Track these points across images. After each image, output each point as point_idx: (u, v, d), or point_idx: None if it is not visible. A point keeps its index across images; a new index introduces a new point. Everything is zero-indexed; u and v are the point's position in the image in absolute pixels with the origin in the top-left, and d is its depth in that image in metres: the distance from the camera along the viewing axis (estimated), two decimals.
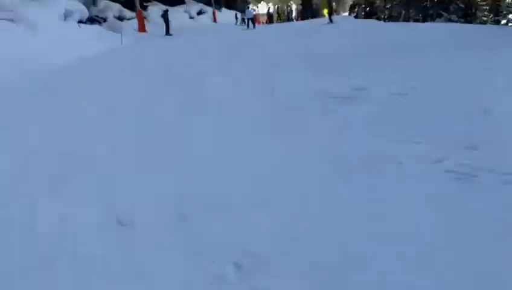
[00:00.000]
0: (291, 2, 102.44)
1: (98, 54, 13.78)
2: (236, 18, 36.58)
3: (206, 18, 40.72)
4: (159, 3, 35.62)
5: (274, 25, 36.44)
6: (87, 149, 4.47)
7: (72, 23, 17.52)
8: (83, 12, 18.94)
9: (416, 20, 26.80)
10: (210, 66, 9.42)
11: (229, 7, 51.54)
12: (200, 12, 40.95)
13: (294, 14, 72.38)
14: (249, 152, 4.04)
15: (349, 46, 11.40)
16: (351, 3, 65.81)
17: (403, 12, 27.96)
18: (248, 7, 34.25)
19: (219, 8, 47.17)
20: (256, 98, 6.16)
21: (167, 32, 21.89)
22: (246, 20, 27.97)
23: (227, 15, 46.05)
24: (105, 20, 21.14)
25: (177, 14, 35.67)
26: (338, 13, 61.55)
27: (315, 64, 8.56)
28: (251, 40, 17.10)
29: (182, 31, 24.10)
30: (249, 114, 5.36)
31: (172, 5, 37.86)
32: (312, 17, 63.02)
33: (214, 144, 4.36)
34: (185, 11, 38.35)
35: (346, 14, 43.59)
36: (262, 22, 51.53)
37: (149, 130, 5.03)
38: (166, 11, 22.62)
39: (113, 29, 20.76)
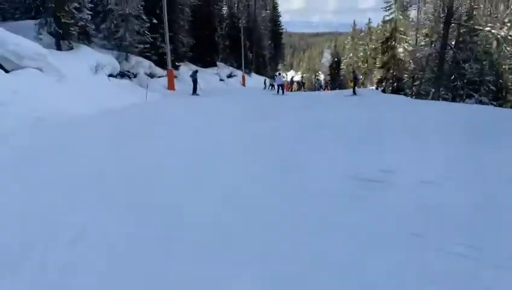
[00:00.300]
0: (320, 72, 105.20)
1: (124, 108, 13.71)
2: (265, 84, 37.01)
3: (236, 81, 41.73)
4: (190, 64, 36.81)
5: (300, 93, 36.83)
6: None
7: (102, 76, 17.81)
8: (115, 66, 19.41)
9: (445, 99, 26.41)
10: (223, 129, 9.07)
11: (259, 72, 52.97)
12: (230, 76, 42.09)
13: (322, 83, 73.85)
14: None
15: (377, 120, 10.93)
16: (379, 77, 66.90)
17: (432, 90, 27.63)
18: (279, 74, 34.76)
19: (249, 73, 48.43)
20: (266, 177, 5.59)
21: (194, 91, 22.15)
22: (276, 86, 28.69)
23: (256, 80, 47.23)
24: (135, 76, 21.56)
25: (207, 75, 36.68)
26: (365, 86, 62.42)
27: (338, 137, 8.07)
28: (276, 106, 16.95)
29: (210, 92, 24.39)
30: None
31: (205, 66, 39.14)
32: (339, 88, 63.84)
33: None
34: (216, 73, 39.39)
35: (373, 87, 43.84)
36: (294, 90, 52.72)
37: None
38: (195, 72, 23.04)
39: (142, 85, 21.11)
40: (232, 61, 47.75)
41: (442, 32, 27.03)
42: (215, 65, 40.92)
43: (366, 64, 79.99)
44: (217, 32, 41.44)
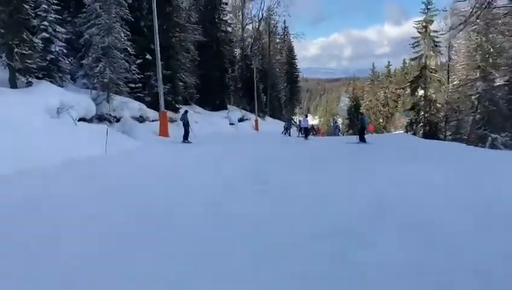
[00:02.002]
0: (338, 116, 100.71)
1: (64, 164, 9.38)
2: (285, 128, 31.93)
3: (248, 126, 37.62)
4: (197, 107, 32.98)
5: (319, 139, 32.23)
6: None
7: (67, 120, 13.71)
8: (88, 108, 15.37)
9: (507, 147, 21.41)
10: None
11: (274, 116, 48.83)
12: (242, 119, 38.07)
13: (340, 127, 69.13)
14: None
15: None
16: (403, 120, 62.06)
17: (492, 136, 22.62)
18: (306, 116, 30.10)
19: (263, 117, 44.38)
20: None
21: (185, 138, 17.65)
22: (302, 130, 26.76)
23: (271, 124, 42.98)
24: (118, 120, 17.48)
25: (216, 118, 32.71)
26: (388, 130, 57.51)
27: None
28: (293, 158, 12.51)
29: (211, 138, 20.14)
30: None
31: (214, 109, 35.25)
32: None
33: None
34: (226, 117, 35.43)
35: (401, 131, 39.03)
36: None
37: None
38: (185, 113, 18.47)
39: (126, 130, 17.00)
40: (244, 104, 44.01)
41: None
42: (226, 108, 37.09)
43: (387, 108, 75.51)
44: (228, 74, 37.89)
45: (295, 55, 64.54)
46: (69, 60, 16.97)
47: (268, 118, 46.16)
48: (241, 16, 47.19)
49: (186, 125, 17.71)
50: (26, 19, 13.65)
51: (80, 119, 14.94)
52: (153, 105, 20.83)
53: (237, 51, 46.03)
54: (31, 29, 14.28)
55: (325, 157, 12.94)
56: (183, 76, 25.33)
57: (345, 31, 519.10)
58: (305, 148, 17.43)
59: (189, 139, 17.60)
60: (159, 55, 18.90)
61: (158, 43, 18.88)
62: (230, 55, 40.41)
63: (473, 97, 28.97)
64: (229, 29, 41.32)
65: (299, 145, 19.93)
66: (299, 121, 30.63)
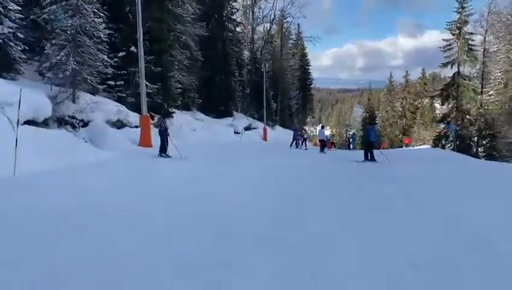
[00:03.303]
0: (350, 127, 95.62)
1: None
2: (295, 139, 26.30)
3: (256, 135, 33.60)
4: (199, 113, 29.12)
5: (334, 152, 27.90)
6: None
7: (4, 122, 9.96)
8: (40, 107, 11.56)
9: None
10: None
11: (284, 125, 44.64)
12: (248, 128, 34.08)
13: (356, 138, 64.42)
14: None
15: None
16: (422, 132, 57.48)
17: None
18: (322, 126, 25.89)
19: (272, 125, 40.32)
20: None
21: (162, 150, 13.10)
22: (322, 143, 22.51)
23: (281, 133, 38.82)
24: (86, 124, 13.60)
25: (219, 126, 28.78)
26: (407, 145, 52.78)
27: None
28: (325, 187, 8.52)
29: (212, 149, 16.24)
30: None
31: (218, 117, 31.33)
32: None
33: None
34: (230, 125, 31.50)
35: (428, 146, 34.64)
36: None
37: None
38: (162, 120, 14.03)
39: (95, 138, 13.16)
40: (252, 111, 40.02)
41: None
42: (231, 115, 33.20)
43: (404, 120, 70.69)
44: (235, 78, 33.98)
45: (309, 61, 60.37)
46: (24, 46, 13.16)
47: (278, 127, 42.05)
48: (251, 16, 43.19)
49: (162, 133, 13.31)
50: None
51: (26, 122, 11.17)
52: (138, 107, 17.00)
53: (246, 54, 42.13)
54: None
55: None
56: (179, 76, 21.42)
57: (359, 42, 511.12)
58: (336, 169, 13.24)
59: (167, 153, 13.19)
60: (141, 41, 15.03)
61: (141, 31, 15.07)
62: (238, 57, 36.58)
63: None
64: (238, 29, 37.50)
65: (318, 160, 15.87)
66: (296, 130, 26.49)
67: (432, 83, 70.60)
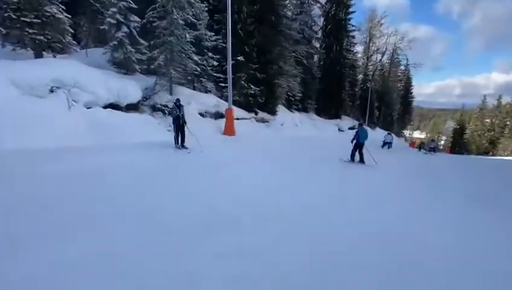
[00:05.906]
0: (441, 134, 69.61)
1: None
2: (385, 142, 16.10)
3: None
4: (314, 114, 22.11)
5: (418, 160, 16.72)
6: None
7: (61, 102, 5.95)
8: (127, 94, 7.32)
9: None
10: None
11: (384, 128, 32.71)
12: (352, 128, 25.08)
13: (441, 145, 45.29)
14: None
15: None
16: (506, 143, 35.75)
17: None
18: (388, 133, 16.06)
19: (373, 127, 29.74)
20: None
21: (179, 141, 6.99)
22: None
23: (379, 134, 27.99)
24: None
25: (326, 125, 21.35)
26: (493, 154, 32.97)
27: None
28: None
29: (300, 144, 9.93)
30: None
31: (330, 118, 23.81)
32: (467, 152, 37.04)
33: None
34: (337, 124, 23.51)
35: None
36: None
37: None
38: (177, 103, 7.12)
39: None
40: (358, 116, 30.23)
41: None
42: (339, 118, 25.16)
43: (492, 132, 46.60)
44: (345, 91, 25.42)
45: (412, 84, 44.33)
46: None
47: (378, 129, 30.97)
48: (367, 48, 32.50)
49: (177, 120, 6.98)
50: None
51: (108, 106, 7.09)
52: (242, 104, 11.63)
53: (360, 77, 31.98)
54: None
55: None
56: (285, 83, 15.00)
57: (458, 77, 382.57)
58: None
59: (183, 144, 7.03)
60: (230, 45, 9.64)
61: (230, 37, 9.77)
62: (351, 77, 27.62)
63: None
64: (354, 57, 28.13)
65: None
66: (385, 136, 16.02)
67: None
